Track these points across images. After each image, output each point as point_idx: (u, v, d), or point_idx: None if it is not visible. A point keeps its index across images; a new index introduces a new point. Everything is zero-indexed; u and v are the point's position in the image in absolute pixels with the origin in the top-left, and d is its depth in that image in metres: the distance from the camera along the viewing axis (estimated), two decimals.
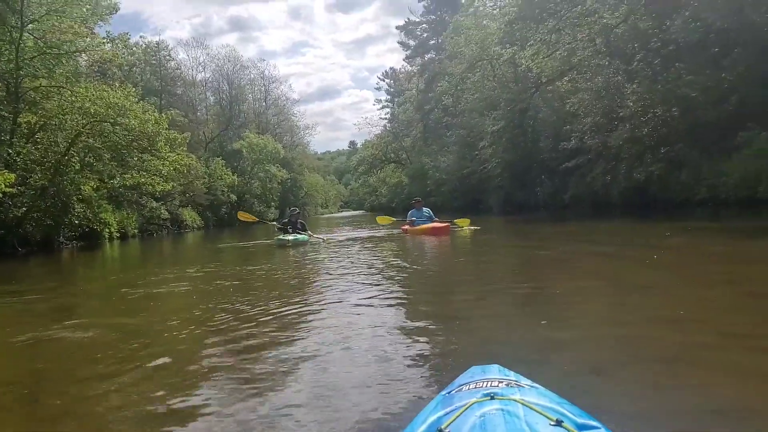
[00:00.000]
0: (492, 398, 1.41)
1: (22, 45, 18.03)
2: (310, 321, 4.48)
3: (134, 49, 34.62)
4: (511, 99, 27.05)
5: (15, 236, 17.27)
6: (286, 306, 5.17)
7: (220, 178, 40.30)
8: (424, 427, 1.44)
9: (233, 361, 3.47)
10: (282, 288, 6.68)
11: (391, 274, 7.48)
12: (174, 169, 21.18)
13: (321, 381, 2.94)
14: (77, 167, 19.24)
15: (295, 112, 67.47)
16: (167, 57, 40.57)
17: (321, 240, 15.06)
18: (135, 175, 20.64)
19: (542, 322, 3.94)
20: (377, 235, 15.98)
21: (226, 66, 53.91)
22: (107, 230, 23.75)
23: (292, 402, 2.66)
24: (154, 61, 37.79)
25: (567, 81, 22.93)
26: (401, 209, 51.45)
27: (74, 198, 19.67)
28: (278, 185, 54.33)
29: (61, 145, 19.20)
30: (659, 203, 16.20)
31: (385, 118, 67.67)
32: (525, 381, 1.66)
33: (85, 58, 21.19)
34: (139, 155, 20.21)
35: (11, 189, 13.91)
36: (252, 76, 58.43)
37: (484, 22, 32.00)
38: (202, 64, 53.16)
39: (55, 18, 18.38)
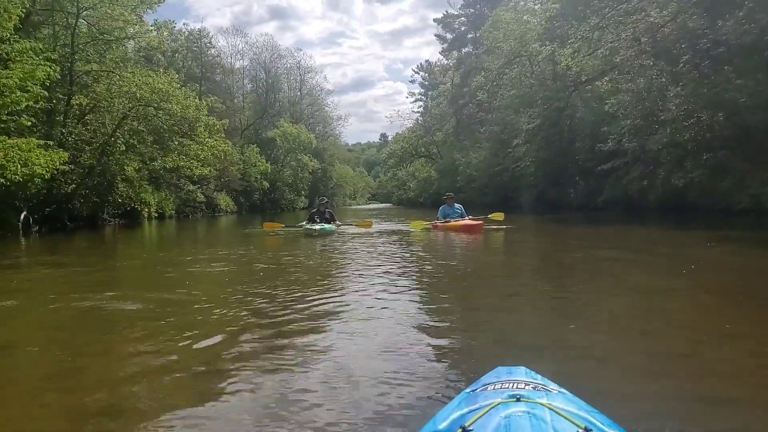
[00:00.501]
0: (518, 400, 1.38)
1: (77, 31, 18.74)
2: (333, 311, 4.43)
3: (178, 36, 35.42)
4: (549, 97, 26.81)
5: (65, 211, 18.04)
6: (310, 295, 5.15)
7: (254, 165, 41.05)
8: (446, 423, 1.41)
9: (257, 345, 3.49)
10: (308, 277, 6.66)
11: (418, 269, 7.38)
12: (212, 155, 21.79)
13: (342, 372, 2.91)
14: (122, 148, 20.00)
15: (328, 102, 67.99)
16: (208, 44, 41.43)
17: (352, 226, 15.21)
18: (175, 158, 21.34)
19: (571, 326, 3.87)
20: (404, 228, 15.77)
21: (264, 54, 54.67)
22: (147, 210, 24.54)
23: (312, 390, 2.65)
24: (195, 48, 38.61)
25: (607, 81, 22.60)
26: (429, 204, 51.40)
27: (118, 178, 20.44)
28: (309, 174, 54.99)
29: (108, 127, 19.97)
30: (697, 210, 15.91)
31: (418, 112, 67.61)
32: (552, 385, 1.61)
33: (133, 44, 21.86)
34: (180, 139, 20.86)
35: (64, 167, 14.54)
36: (288, 65, 59.10)
37: (525, 17, 31.66)
38: (241, 52, 54.02)
39: (108, 5, 19.03)
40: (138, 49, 22.75)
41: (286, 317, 4.20)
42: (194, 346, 3.47)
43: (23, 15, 13.28)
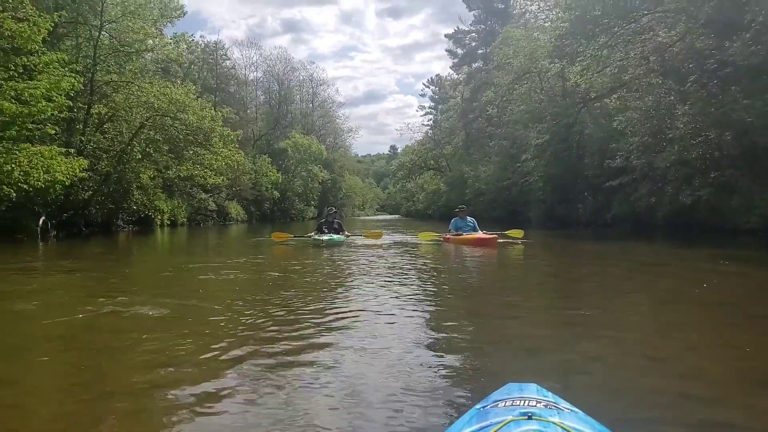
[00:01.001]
0: (529, 418, 1.36)
1: (100, 43, 19.30)
2: (341, 326, 4.40)
3: (194, 47, 36.12)
4: (558, 113, 27.06)
5: (81, 217, 18.47)
6: (318, 308, 5.17)
7: (266, 174, 41.56)
8: None
9: (265, 359, 3.46)
10: (316, 289, 6.61)
11: (428, 282, 7.31)
12: (225, 164, 22.21)
13: (350, 388, 2.87)
14: (138, 157, 20.46)
15: (339, 114, 68.78)
16: (224, 56, 42.18)
17: (361, 237, 15.11)
18: (189, 167, 21.77)
19: (583, 345, 3.84)
20: (414, 240, 15.63)
21: (278, 67, 55.50)
22: (160, 217, 24.97)
23: (320, 406, 2.65)
24: (211, 60, 39.32)
25: (616, 98, 22.85)
26: (438, 216, 51.61)
27: (134, 185, 20.89)
28: (319, 185, 55.50)
29: (125, 135, 20.45)
30: (706, 228, 16.00)
31: (428, 125, 68.14)
32: (564, 404, 1.58)
33: (152, 56, 22.43)
34: (195, 149, 21.30)
35: (83, 174, 14.95)
36: (301, 77, 59.93)
37: (535, 34, 32.03)
38: (255, 64, 54.90)
39: (130, 19, 19.61)
40: (156, 61, 23.31)
41: (293, 330, 4.21)
42: (202, 356, 3.52)
43: (51, 29, 13.80)
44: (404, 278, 7.40)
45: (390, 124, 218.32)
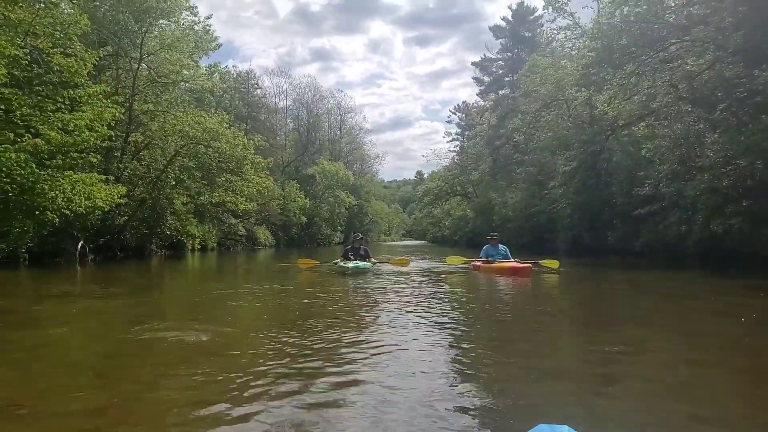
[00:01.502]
0: None
1: (138, 74, 20.19)
2: (369, 358, 4.38)
3: (227, 77, 37.33)
4: (585, 140, 26.99)
5: (117, 242, 19.09)
6: (346, 338, 5.20)
7: (294, 200, 42.23)
8: None
9: (291, 391, 3.49)
10: (343, 318, 6.61)
11: (458, 313, 7.14)
12: (256, 191, 22.74)
13: (378, 426, 2.87)
14: (172, 183, 21.10)
15: (366, 141, 69.68)
16: (255, 86, 43.43)
17: (387, 264, 14.98)
18: (221, 193, 22.34)
19: (615, 385, 3.73)
20: (443, 267, 15.29)
21: (307, 95, 56.84)
22: (191, 242, 25.57)
23: None
24: (243, 89, 40.52)
25: (644, 126, 22.74)
26: (464, 243, 51.41)
27: (168, 210, 21.50)
28: (345, 210, 56.02)
29: (160, 163, 21.17)
30: (739, 257, 15.70)
31: (454, 151, 68.34)
32: None
33: (187, 86, 23.31)
34: (227, 176, 21.89)
35: (121, 200, 15.53)
36: (329, 105, 61.21)
37: (562, 62, 32.22)
38: (285, 92, 56.34)
39: (167, 51, 20.50)
40: (191, 91, 24.21)
41: (319, 361, 4.26)
42: (232, 384, 3.62)
43: (96, 63, 14.58)
44: (432, 308, 7.33)
45: (416, 150, 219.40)
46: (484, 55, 61.91)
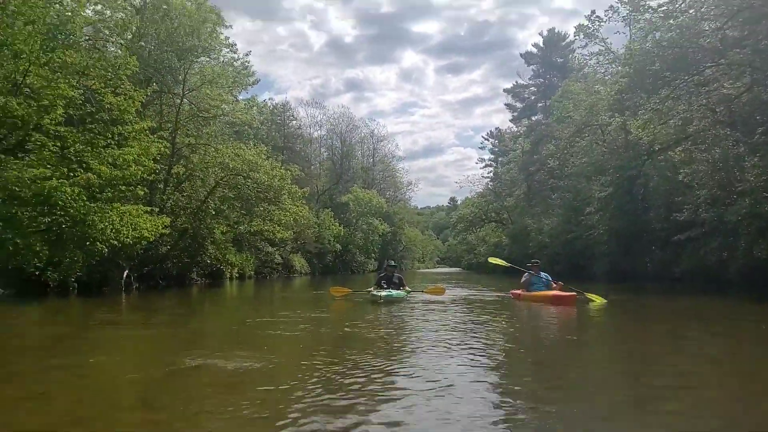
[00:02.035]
0: None
1: (181, 109, 21.18)
2: (403, 386, 4.45)
3: (263, 109, 38.57)
4: (621, 166, 26.73)
5: (159, 271, 19.78)
6: (379, 365, 5.28)
7: (328, 228, 42.80)
8: None
9: (332, 412, 3.65)
10: (377, 346, 6.65)
11: (498, 346, 6.90)
12: (293, 220, 23.29)
13: None
14: (212, 213, 21.82)
15: (399, 168, 70.28)
16: (291, 117, 44.73)
17: (422, 293, 14.72)
18: (259, 222, 22.96)
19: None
20: (484, 297, 14.98)
21: (340, 125, 58.06)
22: (230, 270, 26.22)
23: None
24: (279, 121, 41.75)
25: (680, 150, 22.42)
26: (500, 270, 50.71)
27: (208, 240, 22.18)
28: (379, 238, 56.32)
29: (201, 193, 21.97)
30: None
31: (488, 177, 68.22)
32: None
33: (227, 119, 24.25)
34: (266, 206, 22.52)
35: (165, 230, 16.19)
36: (362, 134, 62.31)
37: (595, 87, 32.15)
38: (319, 123, 57.67)
39: (208, 87, 21.48)
40: (231, 124, 25.16)
41: (355, 387, 4.34)
42: (273, 411, 3.76)
43: (144, 101, 15.45)
44: (468, 338, 7.23)
45: (449, 176, 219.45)
46: (516, 82, 62.39)
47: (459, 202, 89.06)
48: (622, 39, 32.30)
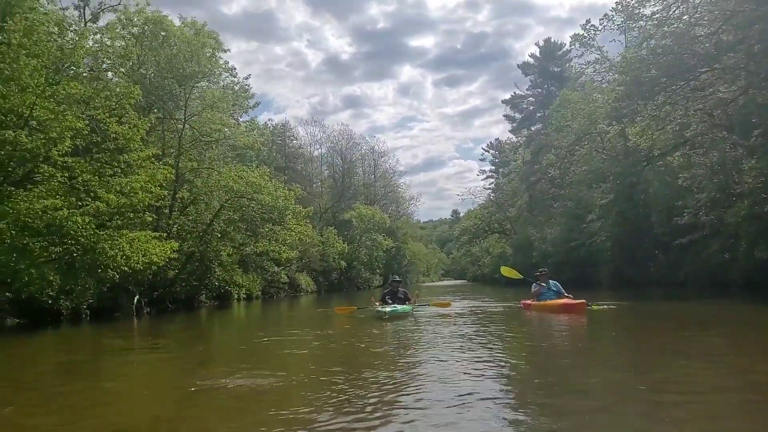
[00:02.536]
0: None
1: (183, 134, 21.50)
2: (411, 400, 4.54)
3: (264, 130, 38.98)
4: (621, 172, 26.97)
5: (168, 295, 19.96)
6: (385, 381, 5.34)
7: (332, 246, 42.95)
8: None
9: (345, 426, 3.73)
10: (383, 362, 6.71)
11: (505, 355, 6.93)
12: (299, 239, 23.49)
13: None
14: (218, 236, 22.03)
15: (400, 183, 70.54)
16: (291, 137, 45.14)
17: (428, 306, 14.51)
18: (265, 243, 23.16)
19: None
20: (491, 309, 14.93)
21: (341, 142, 58.47)
22: (237, 291, 26.37)
23: None
24: (279, 141, 42.16)
25: (679, 155, 22.63)
26: (505, 281, 50.71)
27: (215, 262, 22.36)
28: (383, 253, 56.43)
29: (206, 217, 22.21)
30: None
31: (489, 188, 68.43)
32: None
33: (229, 143, 24.57)
34: (271, 227, 22.74)
35: (173, 255, 16.39)
36: (363, 151, 62.65)
37: (593, 95, 32.46)
38: (319, 141, 58.11)
39: (210, 112, 21.83)
40: (233, 147, 25.48)
41: (365, 409, 4.34)
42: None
43: (148, 129, 15.77)
44: (477, 350, 7.27)
45: (450, 189, 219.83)
46: (514, 93, 62.78)
47: (461, 215, 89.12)
48: (618, 47, 32.59)
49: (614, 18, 24.92)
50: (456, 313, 13.56)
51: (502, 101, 64.70)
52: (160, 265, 15.60)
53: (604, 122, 28.23)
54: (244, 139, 24.04)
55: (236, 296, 26.49)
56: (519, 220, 52.34)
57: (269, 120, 50.84)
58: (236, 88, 26.00)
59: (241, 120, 27.12)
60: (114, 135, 14.62)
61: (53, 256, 12.81)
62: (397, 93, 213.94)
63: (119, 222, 13.94)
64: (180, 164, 21.77)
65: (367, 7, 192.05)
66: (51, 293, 13.10)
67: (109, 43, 19.12)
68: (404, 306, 13.14)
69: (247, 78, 27.44)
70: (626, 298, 16.07)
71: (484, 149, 76.59)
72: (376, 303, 13.68)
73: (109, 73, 19.45)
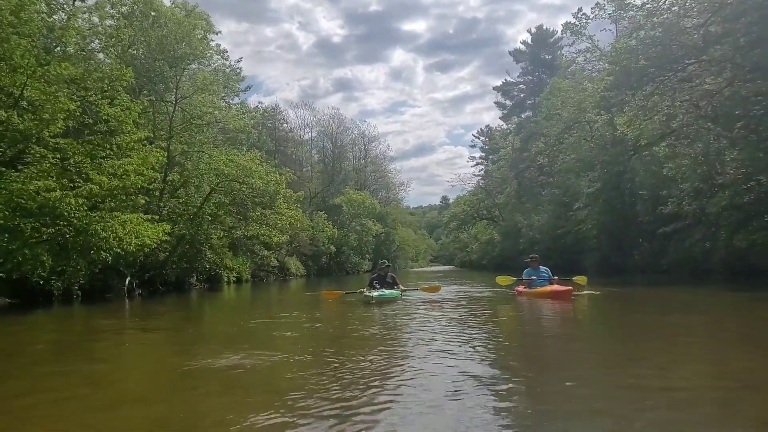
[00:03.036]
0: None
1: (174, 117, 21.44)
2: (396, 382, 4.63)
3: (254, 114, 38.79)
4: (609, 161, 27.34)
5: (159, 277, 20.07)
6: (370, 363, 5.47)
7: (322, 230, 43.08)
8: None
9: (329, 407, 3.84)
10: (371, 344, 6.84)
11: (488, 339, 7.05)
12: (289, 224, 23.61)
13: None
14: (209, 219, 22.09)
15: (391, 169, 70.63)
16: (281, 120, 44.97)
17: (417, 291, 14.51)
18: (255, 227, 23.25)
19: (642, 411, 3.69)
20: (478, 294, 14.98)
21: (331, 126, 58.32)
22: (227, 274, 26.51)
23: None
24: (269, 124, 41.97)
25: (665, 145, 23.02)
26: (492, 267, 51.39)
27: (206, 245, 22.45)
28: (373, 238, 56.70)
29: (196, 200, 22.24)
30: (765, 272, 15.77)
31: (479, 175, 68.83)
32: None
33: (220, 126, 24.50)
34: (261, 210, 22.82)
35: (166, 237, 16.48)
36: (353, 135, 62.56)
37: (583, 84, 32.68)
38: (309, 124, 57.92)
39: (200, 95, 21.76)
40: (224, 131, 25.41)
41: (353, 389, 4.42)
42: (272, 408, 3.92)
43: (140, 111, 15.75)
44: (463, 335, 7.38)
45: (441, 175, 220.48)
46: (506, 80, 62.93)
47: (451, 201, 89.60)
48: (609, 36, 32.84)
49: (606, 7, 25.13)
50: (445, 298, 13.64)
51: (493, 88, 64.90)
52: (152, 247, 15.69)
53: (593, 111, 28.53)
54: (236, 123, 23.98)
55: (226, 279, 26.64)
56: (507, 207, 52.76)
57: (260, 103, 50.51)
58: (227, 71, 25.84)
59: (231, 103, 26.96)
60: (106, 117, 14.60)
61: (45, 237, 12.86)
62: (389, 77, 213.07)
63: (112, 204, 14.00)
64: (171, 147, 21.73)
65: None
66: (42, 274, 13.17)
67: (97, 20, 18.89)
68: (392, 291, 13.07)
69: (238, 61, 27.24)
70: (611, 285, 16.48)
71: (474, 136, 77.01)
72: (363, 289, 13.57)
73: (101, 55, 19.30)
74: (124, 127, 14.45)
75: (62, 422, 3.92)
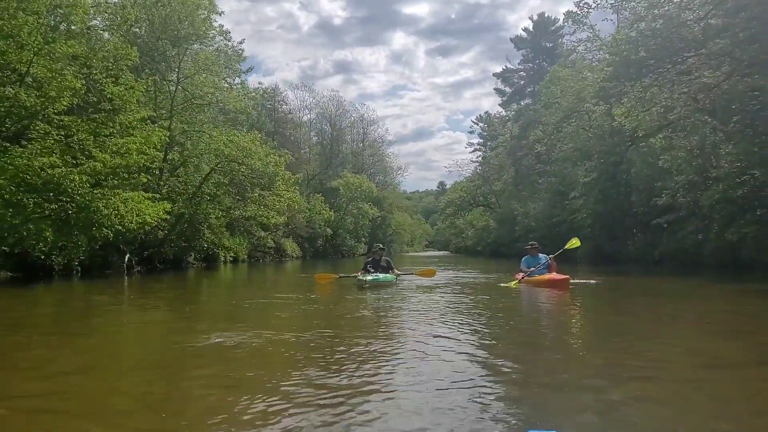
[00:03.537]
0: None
1: (176, 96, 21.52)
2: (388, 364, 4.70)
3: (254, 94, 38.74)
4: (605, 152, 27.55)
5: (157, 255, 20.31)
6: (363, 345, 5.53)
7: (319, 213, 43.31)
8: None
9: (319, 387, 3.90)
10: (362, 328, 6.94)
11: (480, 325, 7.15)
12: (287, 205, 23.83)
13: (383, 417, 3.26)
14: (208, 199, 22.29)
15: (389, 153, 70.69)
16: (281, 101, 44.90)
17: (412, 275, 14.50)
18: (253, 208, 23.47)
19: (619, 388, 3.94)
20: (473, 280, 15.05)
21: (330, 109, 58.24)
22: (224, 254, 26.78)
23: None
24: (269, 105, 41.94)
25: (662, 137, 23.23)
26: (488, 253, 51.83)
27: (204, 225, 22.68)
28: (369, 222, 57.00)
29: (196, 179, 22.42)
30: (754, 265, 16.12)
31: (476, 162, 68.93)
32: None
33: (221, 107, 24.59)
34: (260, 191, 23.03)
35: (166, 216, 16.69)
36: (352, 118, 62.51)
37: (583, 74, 32.74)
38: (308, 106, 57.80)
39: (202, 75, 21.81)
40: (224, 111, 25.50)
41: (343, 365, 4.57)
42: (267, 386, 4.01)
43: (144, 90, 15.85)
44: (457, 319, 7.45)
45: (438, 161, 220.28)
46: (506, 66, 62.69)
47: (448, 187, 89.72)
48: (610, 26, 32.82)
49: None
50: (440, 283, 13.66)
51: (494, 74, 64.65)
52: (154, 225, 15.90)
53: (592, 101, 28.65)
54: (236, 104, 24.06)
55: (223, 258, 26.92)
56: (504, 194, 53.01)
57: (259, 83, 50.40)
58: (229, 52, 25.84)
59: (233, 83, 26.97)
60: (110, 95, 14.71)
61: (47, 212, 13.05)
62: (389, 60, 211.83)
63: (114, 182, 14.18)
64: (172, 126, 21.83)
65: None
66: (44, 249, 13.38)
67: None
68: (386, 275, 12.93)
69: (241, 42, 27.23)
70: (604, 274, 16.76)
71: (473, 122, 76.93)
72: (357, 273, 13.36)
73: (105, 34, 19.27)
74: (127, 106, 14.56)
75: (63, 402, 3.87)
